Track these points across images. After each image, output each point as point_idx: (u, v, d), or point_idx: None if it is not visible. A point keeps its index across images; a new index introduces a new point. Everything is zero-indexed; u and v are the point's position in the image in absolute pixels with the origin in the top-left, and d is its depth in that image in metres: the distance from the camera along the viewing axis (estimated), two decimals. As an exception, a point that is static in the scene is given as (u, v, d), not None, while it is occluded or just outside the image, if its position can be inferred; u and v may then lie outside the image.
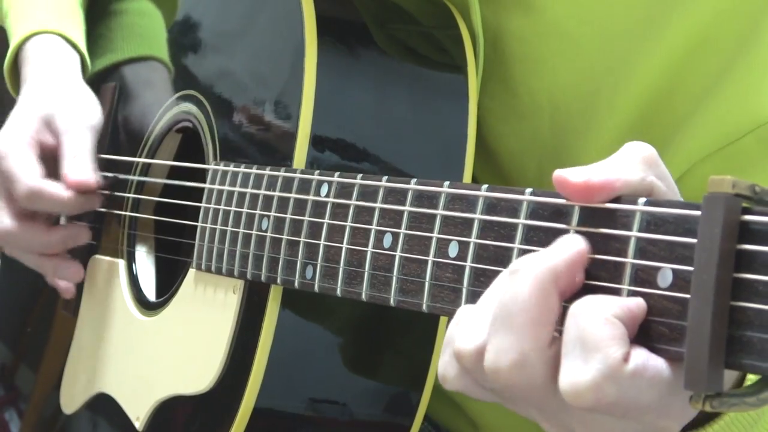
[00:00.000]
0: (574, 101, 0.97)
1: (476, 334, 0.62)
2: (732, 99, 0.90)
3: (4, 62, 1.24)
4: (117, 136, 1.25)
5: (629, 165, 0.63)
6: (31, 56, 1.21)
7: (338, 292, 0.82)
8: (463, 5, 1.01)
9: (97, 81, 1.28)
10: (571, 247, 0.61)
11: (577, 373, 0.56)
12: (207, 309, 1.00)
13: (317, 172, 0.87)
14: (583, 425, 0.60)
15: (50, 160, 1.16)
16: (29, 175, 1.13)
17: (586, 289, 0.62)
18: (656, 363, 0.58)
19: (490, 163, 1.03)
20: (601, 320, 0.57)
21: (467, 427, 1.12)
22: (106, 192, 1.20)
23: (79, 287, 1.23)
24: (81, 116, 1.17)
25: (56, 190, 1.13)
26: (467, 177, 0.96)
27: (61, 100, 1.18)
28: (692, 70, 0.92)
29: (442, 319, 0.95)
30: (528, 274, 0.60)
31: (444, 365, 0.65)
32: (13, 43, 1.22)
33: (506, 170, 1.03)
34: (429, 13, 1.03)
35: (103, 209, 1.21)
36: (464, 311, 0.65)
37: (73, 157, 1.13)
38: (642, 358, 0.57)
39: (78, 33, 1.24)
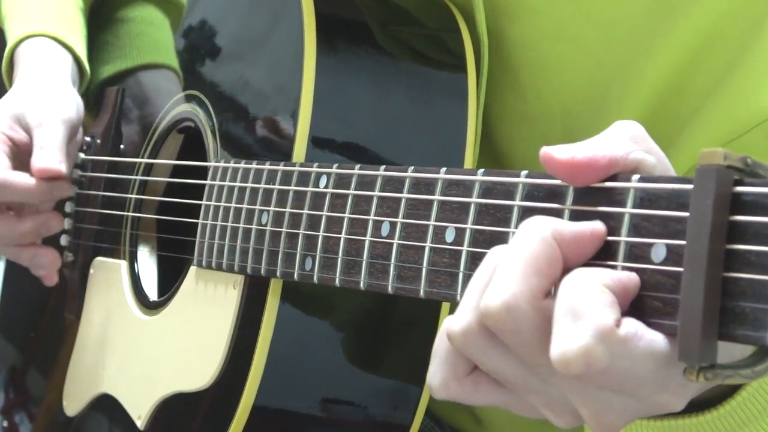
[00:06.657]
0: (584, 103, 0.97)
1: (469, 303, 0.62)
2: (738, 94, 0.90)
3: (2, 64, 1.25)
4: (121, 138, 1.25)
5: (615, 142, 0.63)
6: (22, 59, 1.23)
7: (337, 282, 0.82)
8: (466, 10, 1.01)
9: (106, 87, 1.28)
10: (586, 224, 0.61)
11: (566, 338, 0.56)
12: (208, 305, 1.00)
13: (316, 164, 0.87)
14: (580, 397, 0.60)
15: (25, 156, 1.16)
16: None
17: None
18: (651, 334, 0.57)
19: (501, 168, 1.03)
20: (591, 288, 0.57)
21: (470, 423, 1.12)
22: (105, 193, 1.20)
23: (82, 290, 1.24)
24: (52, 110, 1.17)
25: (21, 179, 1.13)
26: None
27: (33, 98, 1.18)
28: (699, 68, 0.92)
29: (443, 313, 0.95)
30: (535, 228, 0.60)
31: (432, 372, 0.65)
32: (8, 46, 1.24)
33: None
34: (431, 15, 1.03)
35: (105, 210, 1.21)
36: None
37: (40, 148, 1.14)
38: (635, 326, 0.57)
39: (74, 36, 1.25)
